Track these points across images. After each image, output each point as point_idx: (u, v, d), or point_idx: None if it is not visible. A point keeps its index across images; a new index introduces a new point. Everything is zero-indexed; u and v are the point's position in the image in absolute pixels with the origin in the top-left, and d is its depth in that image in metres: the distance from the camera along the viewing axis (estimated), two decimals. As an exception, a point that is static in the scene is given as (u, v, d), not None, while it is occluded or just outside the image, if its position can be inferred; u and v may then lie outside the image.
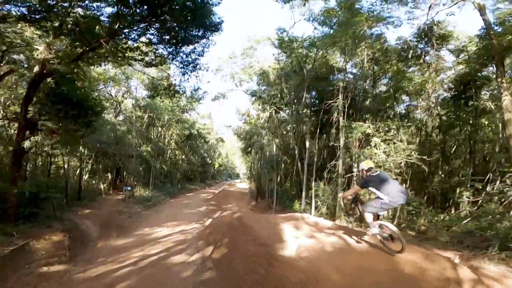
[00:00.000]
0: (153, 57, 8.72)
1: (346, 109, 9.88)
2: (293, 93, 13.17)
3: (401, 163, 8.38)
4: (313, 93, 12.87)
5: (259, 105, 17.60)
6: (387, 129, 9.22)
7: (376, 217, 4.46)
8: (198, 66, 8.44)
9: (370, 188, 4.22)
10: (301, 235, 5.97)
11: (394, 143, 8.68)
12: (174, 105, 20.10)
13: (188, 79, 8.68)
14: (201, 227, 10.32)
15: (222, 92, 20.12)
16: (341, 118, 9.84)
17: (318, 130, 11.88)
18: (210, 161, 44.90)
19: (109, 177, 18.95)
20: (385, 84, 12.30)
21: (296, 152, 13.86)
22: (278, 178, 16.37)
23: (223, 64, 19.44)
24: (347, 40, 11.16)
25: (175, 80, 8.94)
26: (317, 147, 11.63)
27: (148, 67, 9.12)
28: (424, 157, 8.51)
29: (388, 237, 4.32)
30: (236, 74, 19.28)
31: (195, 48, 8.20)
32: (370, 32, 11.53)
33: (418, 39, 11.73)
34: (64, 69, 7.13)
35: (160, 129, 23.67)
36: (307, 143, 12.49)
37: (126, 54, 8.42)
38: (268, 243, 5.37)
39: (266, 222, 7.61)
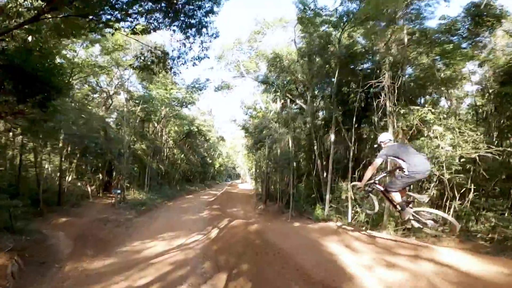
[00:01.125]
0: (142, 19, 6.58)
1: (395, 91, 7.78)
2: (313, 78, 11.10)
3: (473, 158, 6.29)
4: (336, 78, 10.75)
5: (269, 94, 15.47)
6: (445, 115, 7.17)
7: (406, 198, 3.98)
8: (204, 28, 6.32)
9: (390, 158, 3.93)
10: (369, 261, 3.87)
11: (461, 132, 6.61)
12: (172, 97, 17.92)
13: (190, 46, 6.57)
14: (205, 239, 8.17)
15: (226, 82, 18.03)
16: (388, 102, 7.75)
17: (355, 118, 9.60)
18: (210, 161, 42.66)
19: (101, 178, 16.75)
20: (424, 69, 10.15)
21: (315, 147, 11.75)
22: (292, 178, 14.21)
23: (227, 52, 17.34)
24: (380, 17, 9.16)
25: (172, 50, 6.82)
26: (353, 138, 9.45)
27: (137, 34, 6.98)
28: (499, 148, 6.44)
29: (430, 222, 3.80)
30: (242, 62, 17.18)
31: (201, 4, 6.06)
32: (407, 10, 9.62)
33: (467, 18, 9.70)
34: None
35: (156, 125, 21.46)
36: (332, 137, 10.37)
37: (106, 15, 6.28)
38: (328, 283, 3.23)
39: (298, 238, 5.49)
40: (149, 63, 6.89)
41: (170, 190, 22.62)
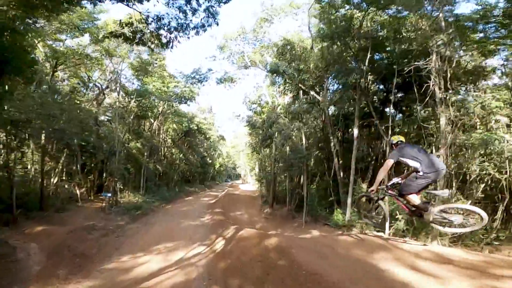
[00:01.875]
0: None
1: (447, 74, 6.39)
2: (331, 66, 9.76)
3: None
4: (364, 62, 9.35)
5: (277, 88, 14.16)
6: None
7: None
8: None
9: (402, 159, 3.68)
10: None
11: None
12: (170, 91, 16.45)
13: (194, 11, 5.17)
14: (209, 252, 6.77)
15: (229, 72, 16.60)
16: (437, 88, 6.36)
17: (391, 108, 8.14)
18: (210, 161, 41.22)
19: (92, 179, 15.29)
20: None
21: (331, 144, 10.39)
22: (302, 179, 12.84)
23: (230, 42, 15.97)
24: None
25: (170, 18, 5.42)
26: (385, 131, 8.03)
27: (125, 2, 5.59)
28: None
29: (456, 218, 3.60)
30: (247, 54, 15.83)
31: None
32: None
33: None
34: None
35: (153, 122, 20.01)
36: (356, 131, 9.00)
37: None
38: None
39: (339, 258, 4.11)
40: (140, 34, 5.50)
41: (168, 192, 21.18)
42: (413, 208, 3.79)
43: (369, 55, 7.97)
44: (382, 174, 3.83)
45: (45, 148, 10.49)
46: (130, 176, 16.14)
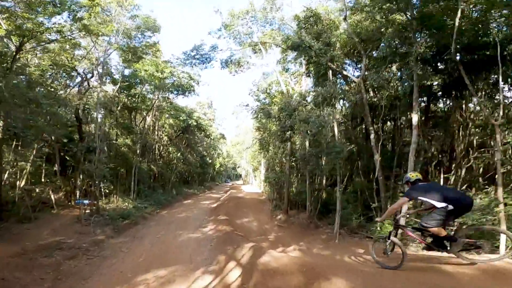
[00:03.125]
0: None
1: None
2: (374, 40, 7.64)
3: None
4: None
5: (293, 74, 12.01)
6: None
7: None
8: None
9: (420, 198, 3.55)
10: None
11: None
12: (165, 77, 14.09)
13: None
14: (220, 289, 4.54)
15: (236, 55, 14.29)
16: None
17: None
18: (210, 161, 38.93)
19: (73, 182, 12.97)
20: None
21: (371, 136, 8.21)
22: (324, 180, 10.65)
23: (236, 21, 13.69)
24: None
25: None
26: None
27: None
28: None
29: (482, 243, 3.56)
30: (256, 33, 13.60)
31: None
32: None
33: None
34: None
35: (146, 116, 17.69)
36: (415, 118, 6.78)
37: None
38: None
39: None
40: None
41: (164, 195, 18.91)
42: (435, 241, 3.63)
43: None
44: (393, 209, 3.75)
45: (1, 144, 8.17)
46: (119, 179, 13.81)
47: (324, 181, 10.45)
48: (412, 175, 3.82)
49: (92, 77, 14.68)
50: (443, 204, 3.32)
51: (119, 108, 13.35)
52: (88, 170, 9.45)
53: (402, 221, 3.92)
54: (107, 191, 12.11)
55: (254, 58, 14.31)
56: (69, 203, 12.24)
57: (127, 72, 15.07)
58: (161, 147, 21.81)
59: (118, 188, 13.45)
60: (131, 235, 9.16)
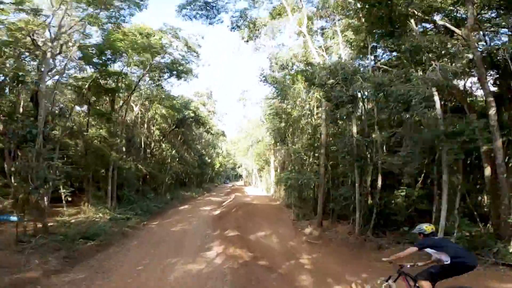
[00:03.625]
0: None
1: None
2: None
3: None
4: None
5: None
6: None
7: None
8: None
9: (428, 250, 3.53)
10: None
11: None
12: (154, 46, 10.65)
13: None
14: None
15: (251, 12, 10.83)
16: None
17: None
18: (209, 160, 35.55)
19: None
20: None
21: (493, 110, 5.02)
22: (379, 181, 7.43)
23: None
24: None
25: None
26: None
27: None
28: None
29: None
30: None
31: None
32: None
33: None
34: None
35: (134, 106, 14.33)
36: None
37: None
38: None
39: None
40: None
41: (155, 200, 15.59)
42: None
43: None
44: (398, 257, 3.66)
45: None
46: (91, 182, 10.43)
47: (379, 182, 7.23)
48: (428, 227, 3.67)
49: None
50: (448, 260, 3.26)
51: (87, 86, 9.89)
52: (23, 169, 6.07)
53: (407, 269, 3.52)
54: (69, 199, 8.69)
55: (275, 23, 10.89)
56: (22, 214, 8.89)
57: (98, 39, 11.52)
58: (153, 144, 18.45)
59: (90, 194, 10.07)
60: (94, 266, 5.84)
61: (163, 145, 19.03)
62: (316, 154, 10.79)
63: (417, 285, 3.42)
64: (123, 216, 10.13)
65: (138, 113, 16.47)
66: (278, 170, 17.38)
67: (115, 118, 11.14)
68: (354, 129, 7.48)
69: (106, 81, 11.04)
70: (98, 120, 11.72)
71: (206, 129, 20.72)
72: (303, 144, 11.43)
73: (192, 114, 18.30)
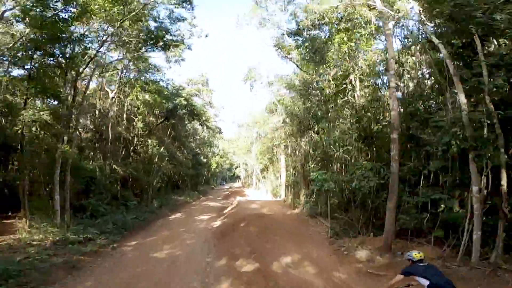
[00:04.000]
0: None
1: None
2: None
3: None
4: None
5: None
6: None
7: None
8: None
9: (415, 277, 3.62)
10: None
11: None
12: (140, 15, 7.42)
13: None
14: None
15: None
16: None
17: None
18: (205, 160, 32.12)
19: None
20: None
21: None
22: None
23: None
24: None
25: None
26: None
27: None
28: None
29: None
30: None
31: None
32: None
33: None
34: None
35: (109, 92, 10.89)
36: None
37: None
38: None
39: None
40: None
41: (138, 210, 12.23)
42: None
43: None
44: (392, 283, 3.86)
45: None
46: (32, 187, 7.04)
47: (504, 181, 4.17)
48: (416, 255, 3.76)
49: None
50: (426, 284, 3.42)
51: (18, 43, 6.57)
52: None
53: None
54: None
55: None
56: None
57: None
58: (136, 139, 15.02)
59: (27, 207, 6.66)
60: None
61: (149, 141, 15.62)
62: (362, 146, 7.64)
63: None
64: (79, 238, 6.76)
65: (114, 99, 13.07)
66: (292, 169, 14.20)
67: (66, 97, 7.68)
68: (462, 98, 4.46)
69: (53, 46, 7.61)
70: (44, 100, 8.28)
71: (201, 121, 17.35)
72: (345, 131, 8.23)
73: (185, 103, 14.98)
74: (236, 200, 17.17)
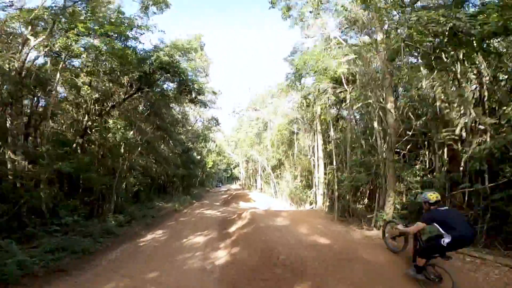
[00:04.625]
0: None
1: None
2: None
3: None
4: None
5: None
6: None
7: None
8: None
9: (435, 224, 3.38)
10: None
11: None
12: None
13: None
14: None
15: None
16: None
17: None
18: (199, 157, 26.55)
19: None
20: None
21: None
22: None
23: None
24: None
25: None
26: None
27: None
28: None
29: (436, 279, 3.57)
30: None
31: None
32: None
33: None
34: None
35: (33, 39, 5.53)
36: None
37: None
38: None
39: None
40: None
41: (77, 231, 6.81)
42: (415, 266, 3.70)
43: None
44: (412, 229, 3.66)
45: None
46: None
47: None
48: (432, 196, 3.48)
49: None
50: (449, 239, 3.18)
51: None
52: None
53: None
54: None
55: None
56: None
57: None
58: (86, 119, 9.52)
59: None
60: None
61: (111, 123, 10.12)
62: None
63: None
64: None
65: (40, 50, 7.61)
66: (342, 160, 8.96)
67: None
68: None
69: None
70: None
71: (194, 95, 11.82)
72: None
73: (167, 59, 9.56)
74: (244, 209, 11.75)
